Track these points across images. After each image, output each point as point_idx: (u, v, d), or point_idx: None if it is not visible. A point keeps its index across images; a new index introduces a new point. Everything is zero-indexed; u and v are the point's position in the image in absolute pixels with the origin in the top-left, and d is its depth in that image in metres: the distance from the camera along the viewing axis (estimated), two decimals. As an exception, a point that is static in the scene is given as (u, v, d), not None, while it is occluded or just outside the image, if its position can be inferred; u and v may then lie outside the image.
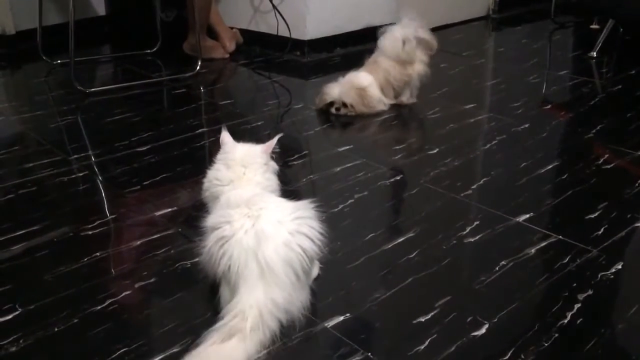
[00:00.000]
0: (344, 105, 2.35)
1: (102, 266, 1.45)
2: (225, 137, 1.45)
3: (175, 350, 1.17)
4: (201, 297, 1.32)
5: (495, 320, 1.25)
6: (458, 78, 2.89)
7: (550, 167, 1.94)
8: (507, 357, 1.15)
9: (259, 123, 2.35)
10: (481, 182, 1.85)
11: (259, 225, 1.19)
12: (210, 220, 1.26)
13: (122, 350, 1.17)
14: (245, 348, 1.10)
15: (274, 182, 1.41)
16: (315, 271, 1.35)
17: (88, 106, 2.53)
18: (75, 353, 1.17)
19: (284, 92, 2.80)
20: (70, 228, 1.60)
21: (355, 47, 3.29)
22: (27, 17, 3.16)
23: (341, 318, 1.26)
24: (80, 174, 1.92)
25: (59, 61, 2.99)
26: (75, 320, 1.25)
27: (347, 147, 2.09)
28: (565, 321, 1.25)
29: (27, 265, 1.45)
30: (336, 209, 1.69)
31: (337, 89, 2.37)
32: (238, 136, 2.17)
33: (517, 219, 1.63)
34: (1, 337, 1.20)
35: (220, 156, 1.42)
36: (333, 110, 2.37)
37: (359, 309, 1.29)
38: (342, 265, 1.43)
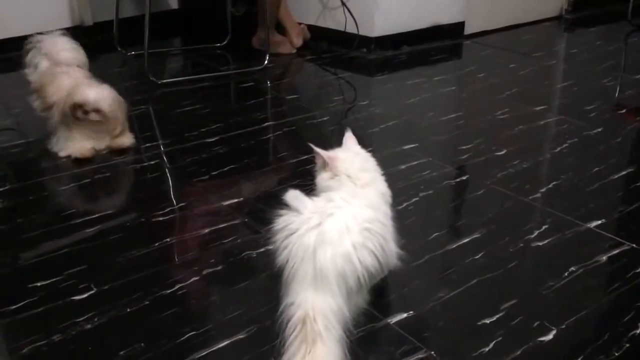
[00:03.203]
0: (96, 111, 1.98)
1: (171, 252, 1.50)
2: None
3: (240, 336, 1.20)
4: (266, 287, 1.35)
5: (563, 326, 1.22)
6: (528, 79, 2.82)
7: (624, 173, 1.88)
8: (575, 365, 1.13)
9: (324, 119, 2.37)
10: (550, 185, 1.81)
11: (325, 225, 1.14)
12: (290, 200, 1.21)
13: (190, 334, 1.20)
14: (332, 348, 1.07)
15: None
16: (382, 275, 1.27)
17: (159, 97, 2.60)
18: (146, 333, 1.21)
19: (349, 88, 2.81)
20: (141, 213, 1.66)
21: (422, 45, 3.27)
22: (105, 10, 3.27)
23: (404, 315, 1.26)
24: (152, 162, 1.98)
25: (133, 52, 3.09)
26: (146, 302, 1.30)
27: (413, 145, 2.08)
28: (637, 331, 1.21)
29: (102, 247, 1.51)
30: (400, 207, 1.68)
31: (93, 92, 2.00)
32: (304, 130, 2.20)
33: (588, 225, 1.59)
34: (77, 315, 1.26)
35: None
36: (82, 115, 1.97)
37: (422, 307, 1.29)
38: (405, 262, 1.43)
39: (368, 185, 1.29)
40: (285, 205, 1.19)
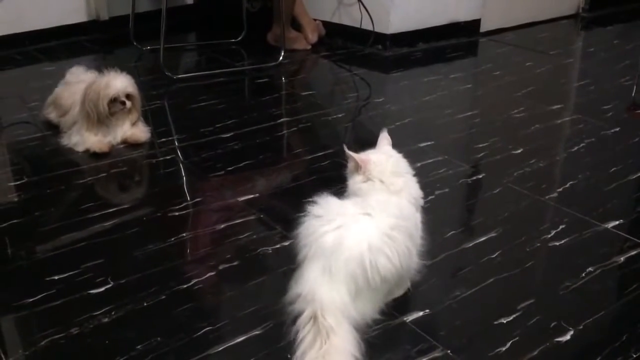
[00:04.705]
0: (128, 97, 2.03)
1: (187, 247, 1.50)
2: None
3: (257, 332, 1.20)
4: (282, 283, 1.34)
5: (581, 327, 1.21)
6: (544, 77, 2.80)
7: (641, 173, 1.87)
8: (593, 366, 1.12)
9: (339, 115, 2.36)
10: (567, 185, 1.80)
11: (345, 231, 1.16)
12: (324, 205, 1.22)
13: (206, 329, 1.21)
14: (347, 338, 1.09)
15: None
16: (399, 292, 1.29)
17: (175, 92, 2.61)
18: (162, 327, 1.21)
19: (364, 85, 2.80)
20: (157, 208, 1.67)
21: (438, 42, 3.26)
22: (121, 4, 3.29)
23: (420, 313, 1.26)
24: (168, 157, 1.98)
25: (148, 47, 3.10)
26: (163, 297, 1.30)
27: (428, 143, 2.08)
28: (656, 334, 1.20)
29: (118, 241, 1.52)
30: (416, 205, 1.67)
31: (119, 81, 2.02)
32: (319, 127, 2.20)
33: (606, 225, 1.57)
34: (94, 308, 1.26)
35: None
36: (119, 106, 2.02)
37: (438, 305, 1.28)
38: (422, 261, 1.42)
39: (401, 190, 1.28)
40: (312, 204, 1.21)
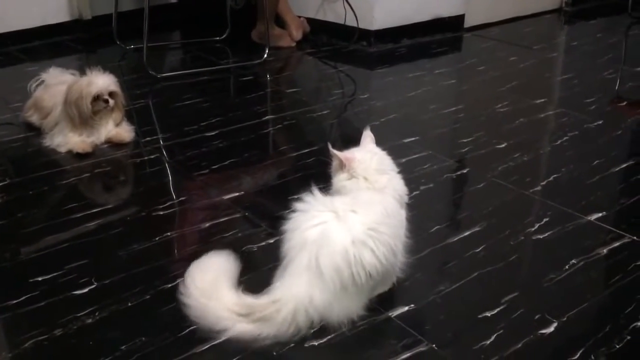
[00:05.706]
0: (111, 95, 2.02)
1: (172, 246, 1.50)
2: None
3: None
4: (268, 281, 1.34)
5: (565, 319, 1.22)
6: (528, 72, 2.82)
7: (624, 165, 1.88)
8: (576, 357, 1.13)
9: (324, 112, 2.36)
10: (551, 178, 1.81)
11: (330, 225, 1.17)
12: (310, 201, 1.23)
13: (191, 328, 1.20)
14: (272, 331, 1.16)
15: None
16: (383, 289, 1.29)
17: (159, 91, 2.60)
18: (147, 327, 1.21)
19: (349, 81, 2.80)
20: (142, 207, 1.66)
21: (422, 38, 3.26)
22: (104, 3, 3.26)
23: (405, 308, 1.26)
24: (152, 156, 1.97)
25: (132, 46, 3.08)
26: (148, 297, 1.30)
27: (413, 138, 2.08)
28: (638, 324, 1.21)
29: (102, 242, 1.51)
30: (401, 200, 1.68)
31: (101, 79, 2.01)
32: (304, 124, 2.20)
33: (589, 218, 1.58)
34: (78, 309, 1.26)
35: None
36: (102, 105, 2.00)
37: (423, 300, 1.29)
38: (406, 258, 1.43)
39: (386, 187, 1.28)
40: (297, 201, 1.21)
